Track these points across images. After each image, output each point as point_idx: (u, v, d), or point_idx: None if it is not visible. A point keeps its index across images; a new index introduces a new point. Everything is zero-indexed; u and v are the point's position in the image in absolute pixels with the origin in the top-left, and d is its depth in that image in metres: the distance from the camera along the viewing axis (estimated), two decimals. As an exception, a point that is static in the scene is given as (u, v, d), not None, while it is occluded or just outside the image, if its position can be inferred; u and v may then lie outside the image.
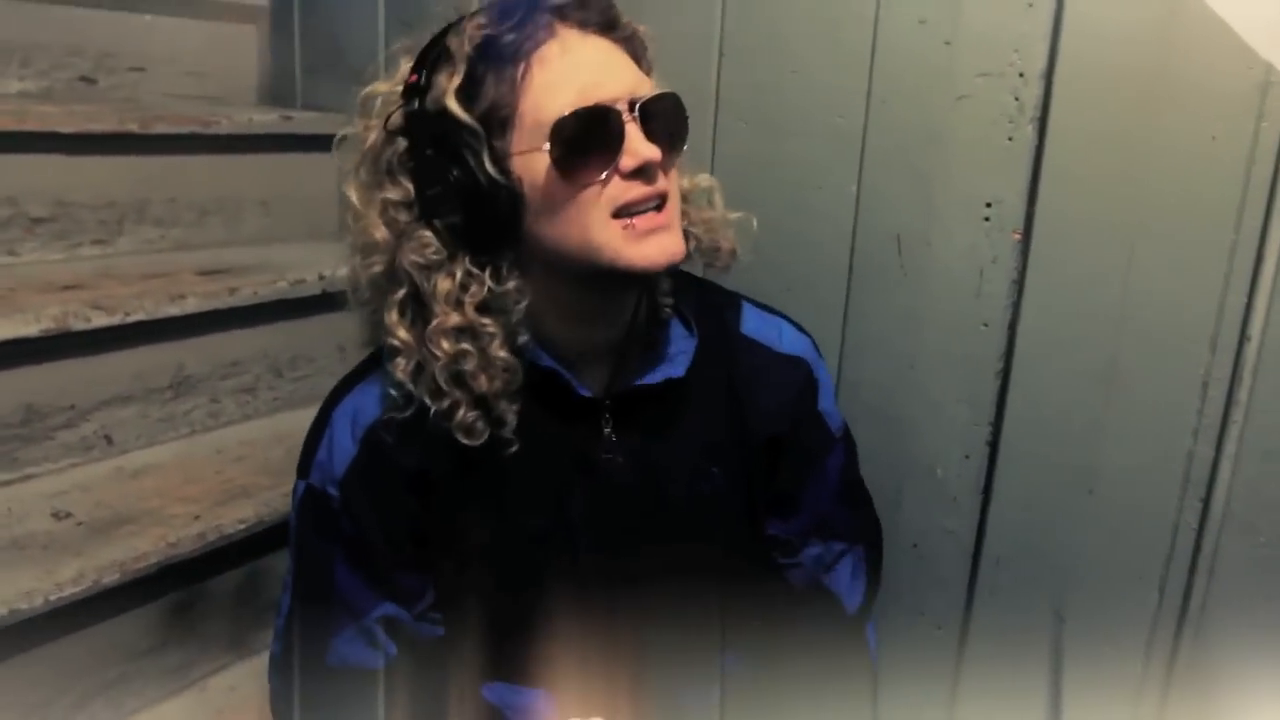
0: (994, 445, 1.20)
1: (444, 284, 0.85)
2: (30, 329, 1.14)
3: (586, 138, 0.82)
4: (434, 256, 0.85)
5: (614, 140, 0.83)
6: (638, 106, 0.84)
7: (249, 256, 1.51)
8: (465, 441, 0.88)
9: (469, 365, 0.85)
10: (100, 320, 1.20)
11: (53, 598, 1.00)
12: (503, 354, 0.86)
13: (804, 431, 1.04)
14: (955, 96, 1.14)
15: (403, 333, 0.87)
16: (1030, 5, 1.08)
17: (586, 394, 0.93)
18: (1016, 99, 1.11)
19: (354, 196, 0.89)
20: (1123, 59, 1.04)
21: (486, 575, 0.98)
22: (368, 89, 0.91)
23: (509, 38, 0.83)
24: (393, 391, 0.90)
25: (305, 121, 1.67)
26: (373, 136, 0.88)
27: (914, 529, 1.27)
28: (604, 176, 0.83)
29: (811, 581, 1.10)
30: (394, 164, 0.87)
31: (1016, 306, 1.15)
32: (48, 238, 1.38)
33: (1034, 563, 1.20)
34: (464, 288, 0.85)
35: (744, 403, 1.01)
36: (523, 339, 0.89)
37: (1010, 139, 1.12)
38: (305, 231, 1.69)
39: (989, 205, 1.14)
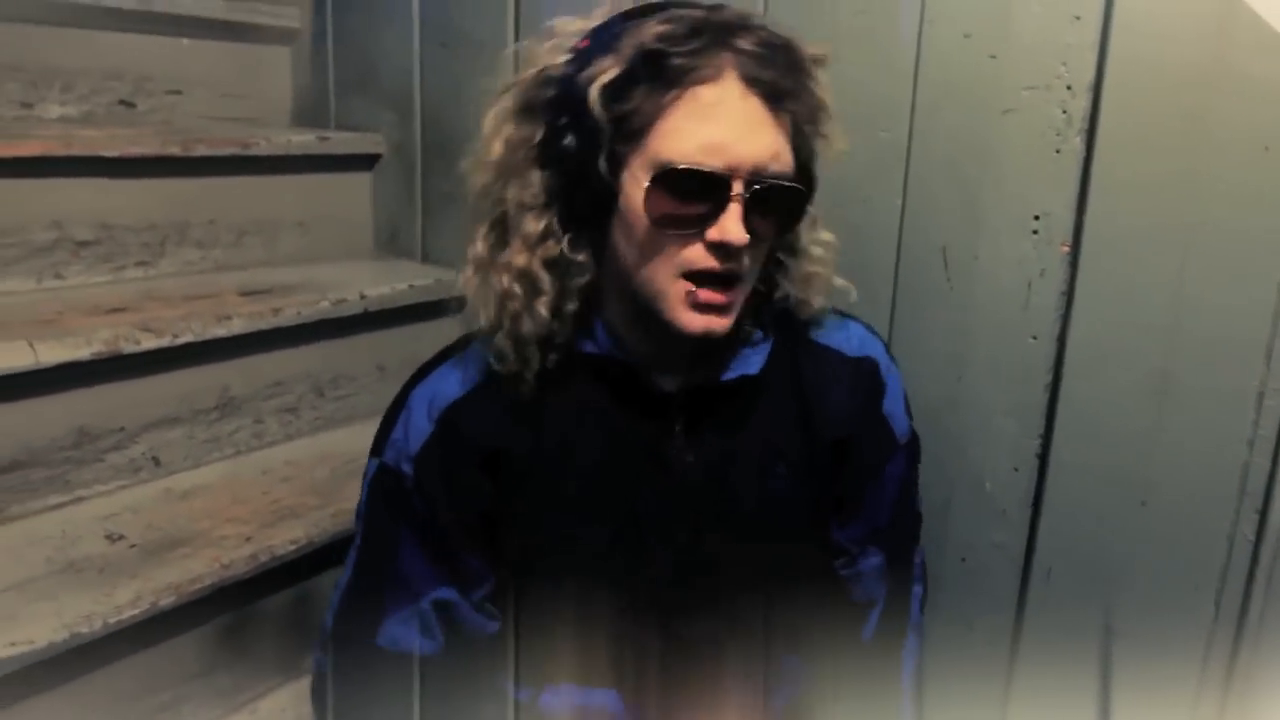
0: (1043, 457, 1.19)
1: (529, 225, 0.88)
2: (82, 352, 1.14)
3: (684, 196, 0.82)
4: (530, 200, 0.88)
5: (709, 211, 0.82)
6: (753, 187, 0.82)
7: (289, 276, 1.52)
8: (494, 366, 0.93)
9: (513, 306, 0.89)
10: (149, 343, 1.21)
11: (111, 620, 1.00)
12: (544, 312, 0.89)
13: (867, 434, 1.04)
14: (1002, 110, 1.14)
15: (482, 247, 0.92)
16: (1077, 18, 1.08)
17: (660, 390, 0.95)
18: (1064, 111, 1.11)
19: (490, 115, 0.91)
20: (1172, 70, 1.04)
21: (552, 567, 0.99)
22: (562, 20, 0.91)
23: (678, 61, 0.81)
24: (468, 366, 0.96)
25: (341, 142, 1.68)
26: (532, 71, 0.89)
27: (962, 542, 1.26)
28: (686, 236, 0.83)
29: (868, 591, 1.09)
30: (535, 105, 0.89)
31: (1066, 319, 1.15)
32: (93, 260, 1.39)
33: (1085, 575, 1.19)
34: (542, 238, 0.88)
35: (812, 404, 1.01)
36: (572, 306, 0.91)
37: (1058, 151, 1.12)
38: (342, 251, 1.70)
39: (1037, 218, 1.14)
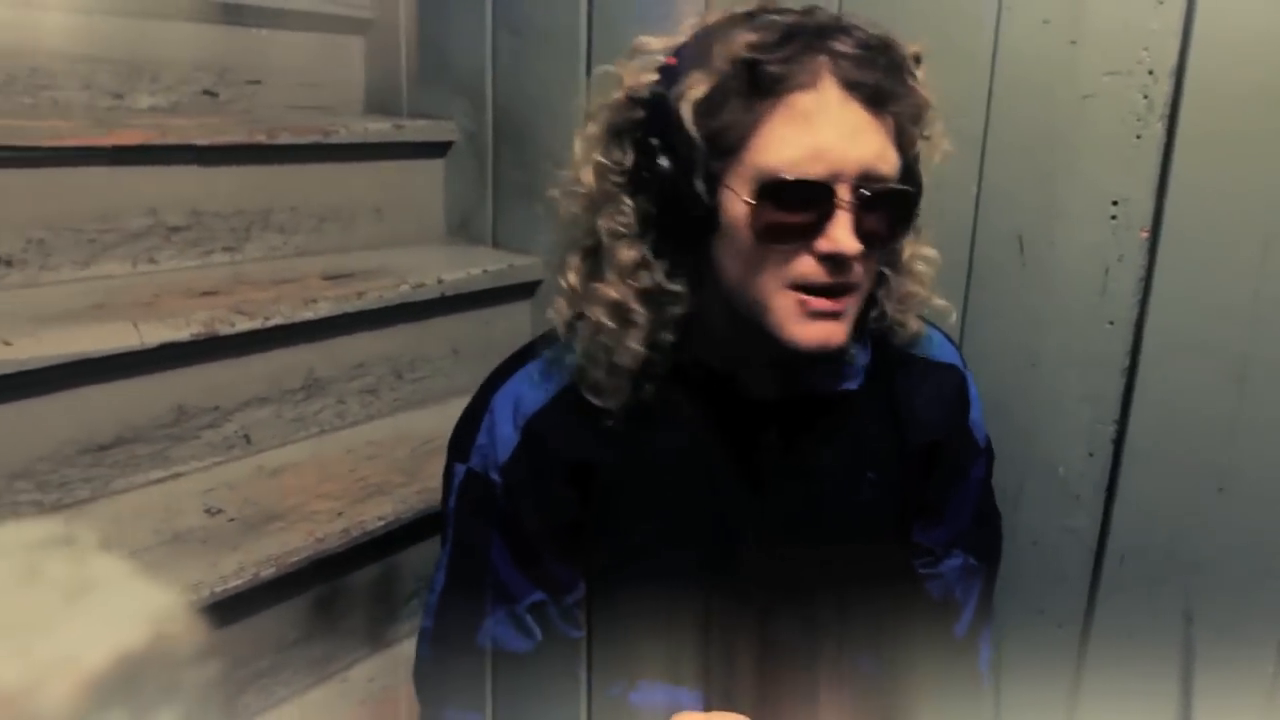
0: (1119, 443, 1.20)
1: (624, 254, 0.86)
2: (182, 333, 1.19)
3: (789, 208, 0.80)
4: (623, 228, 0.86)
5: (818, 221, 0.80)
6: (860, 193, 0.80)
7: (367, 261, 1.56)
8: (592, 399, 0.91)
9: (606, 341, 0.88)
10: (243, 325, 1.25)
11: (218, 590, 1.05)
12: (636, 346, 0.88)
13: (955, 441, 1.04)
14: (1081, 95, 1.14)
15: (573, 278, 0.90)
16: (1160, 2, 1.08)
17: (754, 399, 0.94)
18: (1145, 97, 1.11)
19: (578, 142, 0.90)
20: (1256, 55, 1.04)
21: (643, 572, 0.99)
22: (645, 38, 0.89)
23: (772, 69, 0.79)
24: (550, 371, 0.95)
25: (415, 129, 1.71)
26: (618, 95, 0.87)
27: (1034, 527, 1.27)
28: (794, 249, 0.81)
29: (947, 593, 1.10)
30: (624, 129, 0.87)
31: (1144, 304, 1.15)
32: (183, 245, 1.44)
33: (1161, 561, 1.19)
34: (637, 267, 0.86)
35: (902, 412, 1.01)
36: (668, 338, 0.89)
37: (1139, 137, 1.12)
38: (415, 236, 1.74)
39: (1115, 204, 1.15)
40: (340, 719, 1.24)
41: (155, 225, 1.40)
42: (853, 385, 0.95)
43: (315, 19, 1.79)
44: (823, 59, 0.79)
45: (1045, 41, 1.15)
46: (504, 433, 0.96)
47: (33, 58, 1.43)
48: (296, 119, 1.65)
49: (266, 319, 1.28)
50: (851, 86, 0.80)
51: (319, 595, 1.22)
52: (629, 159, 0.86)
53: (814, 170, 0.79)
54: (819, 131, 0.79)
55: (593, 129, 0.89)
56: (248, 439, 1.34)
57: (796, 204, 0.80)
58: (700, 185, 0.82)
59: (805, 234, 0.80)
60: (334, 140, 1.57)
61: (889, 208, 0.82)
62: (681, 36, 0.88)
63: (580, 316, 0.91)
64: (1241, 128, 1.06)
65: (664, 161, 0.82)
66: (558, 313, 0.92)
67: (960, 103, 1.22)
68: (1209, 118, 1.08)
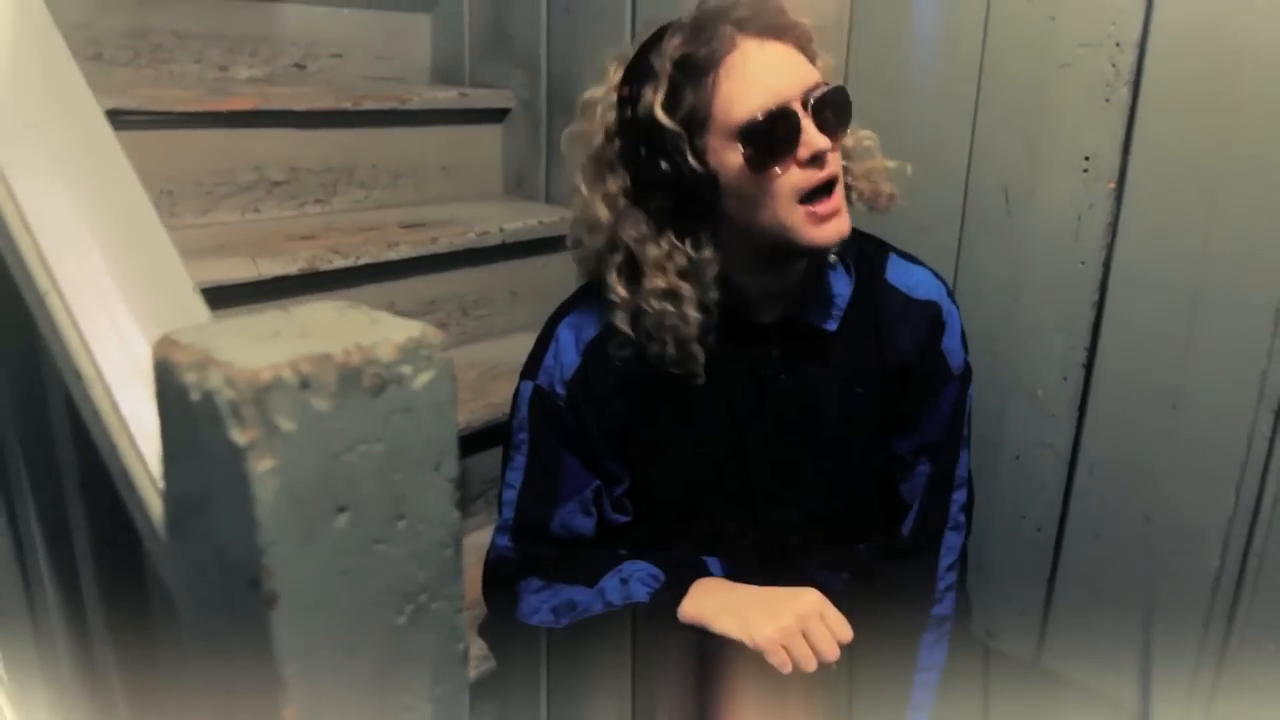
0: (1089, 368, 1.36)
1: (653, 252, 1.05)
2: (291, 268, 1.42)
3: (770, 137, 0.99)
4: (645, 231, 1.05)
5: (792, 136, 1.00)
6: (810, 102, 1.00)
7: (437, 213, 1.78)
8: (673, 371, 1.10)
9: (670, 321, 1.06)
10: (339, 262, 1.48)
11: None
12: (694, 313, 1.06)
13: (927, 364, 1.22)
14: (1058, 64, 1.30)
15: (621, 290, 1.07)
16: (1126, -18, 1.24)
17: (759, 323, 1.14)
18: (1113, 65, 1.26)
19: (582, 187, 1.09)
20: (1210, 27, 1.18)
21: (676, 469, 1.20)
22: (586, 95, 1.11)
23: (701, 53, 1.00)
24: (611, 321, 1.11)
25: (477, 97, 1.93)
26: (597, 140, 1.07)
27: (1017, 442, 1.44)
28: (787, 167, 1.00)
29: (914, 498, 1.27)
30: (613, 160, 1.07)
31: (1110, 247, 1.30)
32: (282, 198, 1.67)
33: (1124, 470, 1.35)
34: (669, 256, 1.05)
35: (884, 338, 1.19)
36: (713, 296, 1.07)
37: (1107, 100, 1.27)
38: (477, 193, 1.95)
39: (1087, 159, 1.30)
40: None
41: (260, 180, 1.63)
42: (832, 326, 1.15)
43: (390, -1, 2.01)
44: (729, 29, 1.01)
45: (1028, 17, 1.31)
46: (568, 355, 1.16)
47: (157, 35, 1.66)
48: (374, 88, 1.87)
49: (358, 258, 1.50)
50: (759, 33, 1.02)
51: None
52: (625, 180, 1.06)
53: (771, 103, 0.99)
54: (758, 77, 1.00)
55: (588, 172, 1.09)
56: (340, 362, 1.56)
57: (773, 132, 1.00)
58: (694, 163, 1.01)
59: (787, 149, 1.00)
60: (408, 106, 1.78)
61: (833, 105, 1.03)
62: (615, 77, 1.08)
63: (639, 315, 1.08)
64: (1196, 93, 1.20)
65: (660, 162, 1.02)
66: (621, 323, 1.09)
67: (957, 71, 1.39)
68: (1168, 84, 1.23)
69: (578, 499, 1.19)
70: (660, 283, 1.05)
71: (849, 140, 1.11)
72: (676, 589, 1.08)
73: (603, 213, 1.07)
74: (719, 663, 1.08)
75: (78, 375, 0.54)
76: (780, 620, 1.01)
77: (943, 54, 1.41)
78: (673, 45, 1.02)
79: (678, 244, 1.05)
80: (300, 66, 1.89)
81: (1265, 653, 1.27)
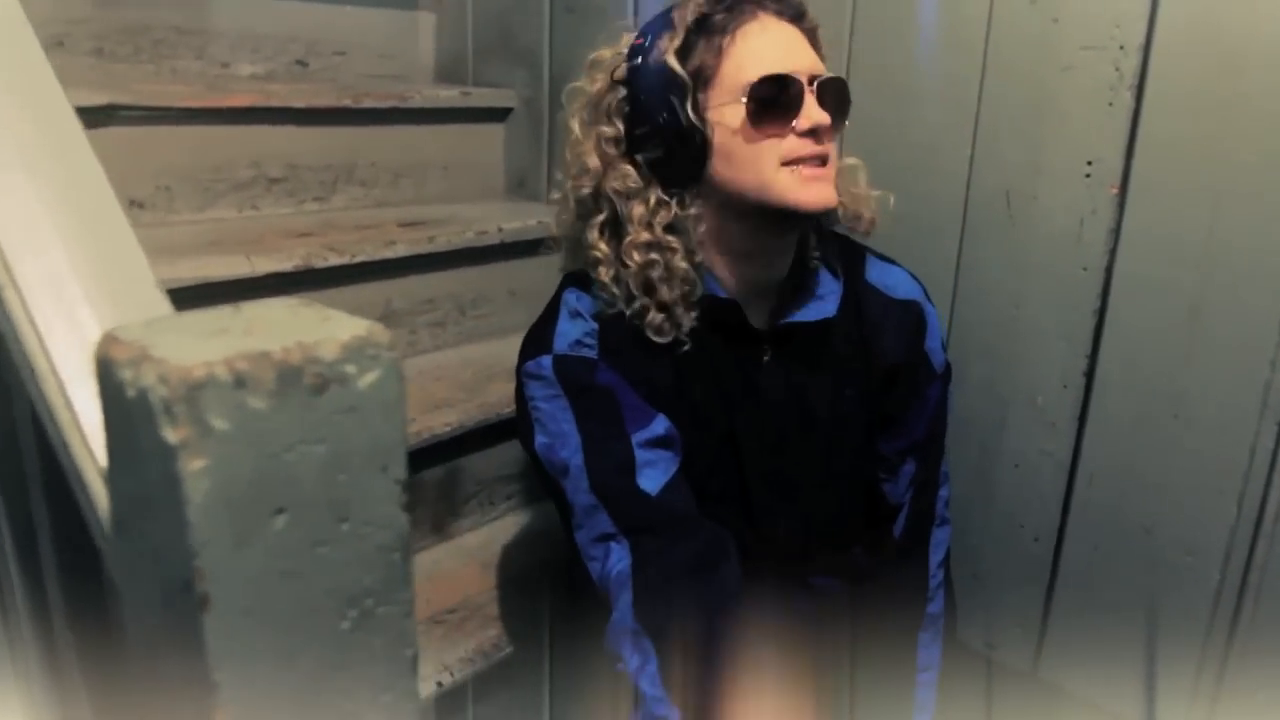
0: (1090, 376, 1.34)
1: (638, 209, 1.06)
2: (286, 265, 1.41)
3: (775, 98, 1.02)
4: (632, 185, 1.06)
5: (795, 103, 1.02)
6: (815, 82, 1.03)
7: (437, 212, 1.78)
8: (655, 339, 1.07)
9: (656, 273, 1.05)
10: (334, 260, 1.47)
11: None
12: (683, 265, 1.06)
13: (912, 365, 1.22)
14: (1061, 68, 1.29)
15: (603, 246, 1.08)
16: (1130, -15, 1.23)
17: (754, 326, 1.13)
18: (1117, 69, 1.25)
19: (576, 130, 1.10)
20: (1214, 31, 1.16)
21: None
22: (595, 54, 1.12)
23: (720, 15, 1.03)
24: (594, 276, 1.09)
25: (479, 96, 1.92)
26: (599, 84, 1.09)
27: (1016, 450, 1.43)
28: (783, 131, 1.02)
29: (901, 495, 1.27)
30: (611, 107, 1.08)
31: (1113, 253, 1.29)
32: (281, 194, 1.66)
33: (1124, 480, 1.33)
34: (654, 212, 1.05)
35: (869, 338, 1.19)
36: (699, 257, 1.07)
37: (1110, 104, 1.26)
38: (478, 192, 1.95)
39: (1089, 163, 1.29)
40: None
41: (258, 176, 1.63)
42: (830, 311, 1.14)
43: (393, -3, 2.00)
44: (751, 4, 1.05)
45: (1031, 20, 1.30)
46: (579, 320, 1.12)
47: (159, 31, 1.66)
48: (377, 86, 1.87)
49: (353, 256, 1.50)
50: (779, 13, 1.05)
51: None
52: (620, 129, 1.07)
53: (781, 70, 1.02)
54: (773, 47, 1.04)
55: (584, 116, 1.10)
56: (335, 360, 1.56)
57: (779, 94, 1.02)
58: (692, 116, 1.03)
59: (788, 117, 1.02)
60: (410, 105, 1.78)
61: (835, 93, 1.05)
62: (626, 38, 1.10)
63: (623, 269, 1.06)
64: (1200, 97, 1.19)
65: (658, 112, 1.03)
66: (603, 278, 1.07)
67: (958, 74, 1.38)
68: (1171, 88, 1.21)
69: (647, 434, 1.08)
70: (645, 236, 1.05)
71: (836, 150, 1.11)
72: None
73: (592, 160, 1.08)
74: (722, 664, 1.06)
75: (33, 372, 0.53)
76: None
77: (944, 57, 1.39)
78: (695, 4, 1.04)
79: (664, 199, 1.06)
80: (303, 64, 1.89)
81: (1267, 666, 1.26)
